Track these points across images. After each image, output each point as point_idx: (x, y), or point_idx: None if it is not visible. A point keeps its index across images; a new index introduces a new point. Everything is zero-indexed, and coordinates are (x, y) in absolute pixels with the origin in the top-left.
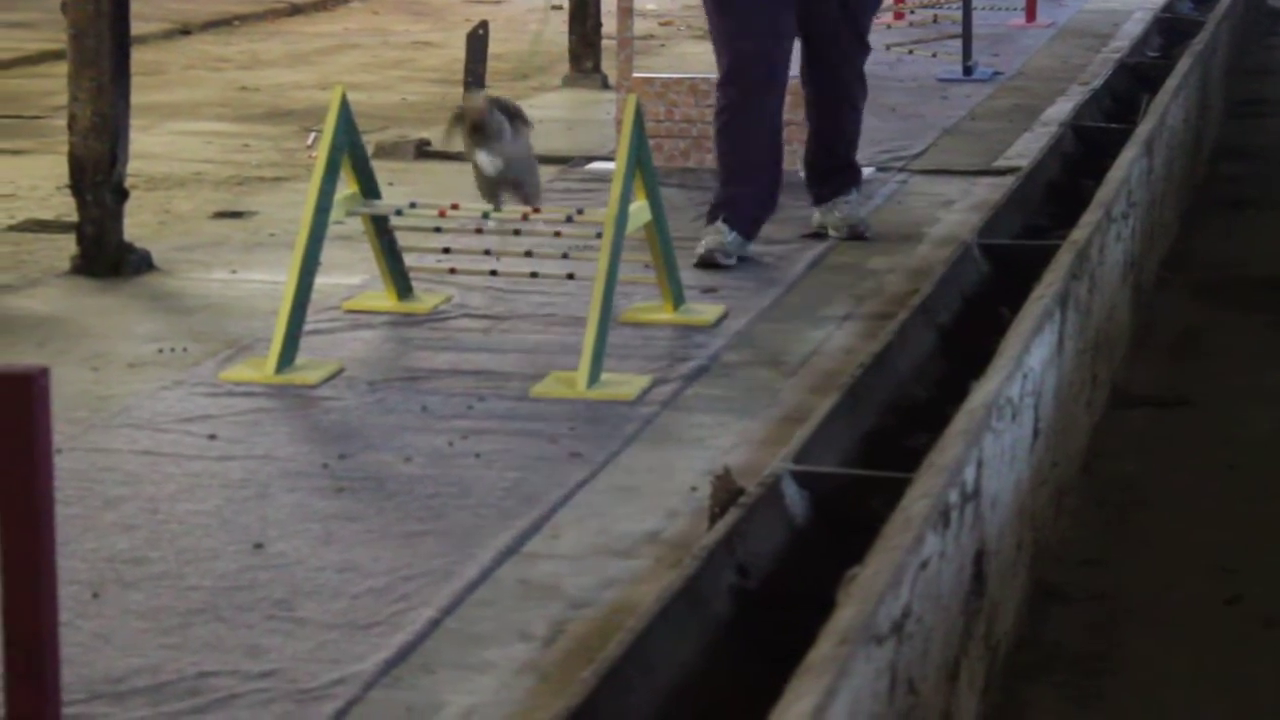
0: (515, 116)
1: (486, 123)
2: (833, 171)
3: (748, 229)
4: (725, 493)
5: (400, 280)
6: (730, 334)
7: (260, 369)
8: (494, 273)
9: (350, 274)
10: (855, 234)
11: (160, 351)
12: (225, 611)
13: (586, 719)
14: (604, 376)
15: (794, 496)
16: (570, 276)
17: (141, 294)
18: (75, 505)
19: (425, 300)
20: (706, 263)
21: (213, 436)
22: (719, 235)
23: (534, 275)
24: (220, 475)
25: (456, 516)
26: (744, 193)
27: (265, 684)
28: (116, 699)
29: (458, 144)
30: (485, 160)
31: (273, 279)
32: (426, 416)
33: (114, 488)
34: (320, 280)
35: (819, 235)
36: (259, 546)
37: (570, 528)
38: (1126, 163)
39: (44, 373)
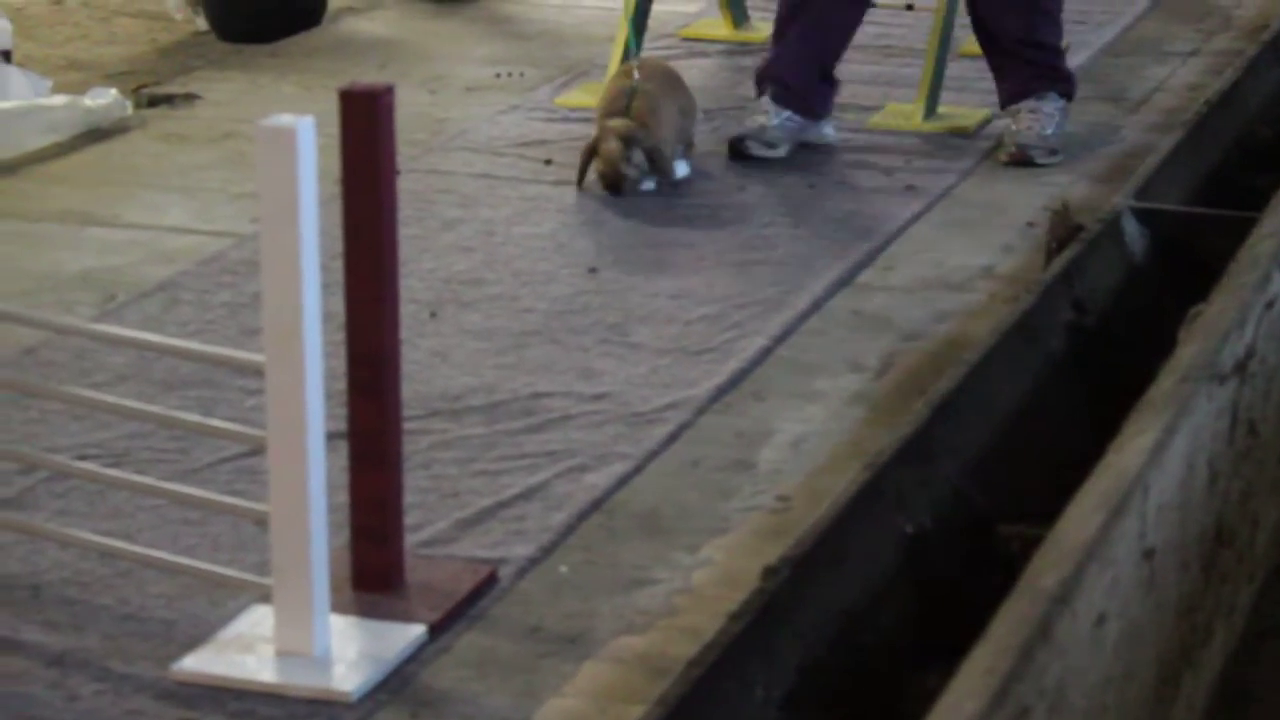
0: (656, 157)
1: (623, 178)
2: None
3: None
4: (1063, 228)
5: (736, 8)
6: (1071, 68)
7: (594, 94)
8: None
9: (687, 1)
10: (1019, 158)
11: (497, 76)
12: (559, 334)
13: (919, 450)
14: (941, 109)
15: (1134, 234)
16: (909, 7)
17: (479, 18)
18: (414, 226)
19: (760, 29)
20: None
21: (548, 161)
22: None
23: (870, 5)
24: (556, 200)
25: (790, 246)
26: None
27: (598, 406)
28: (453, 415)
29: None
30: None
31: (609, 5)
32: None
33: (451, 210)
34: (657, 7)
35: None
36: (593, 271)
37: (904, 260)
38: None
39: (389, 91)
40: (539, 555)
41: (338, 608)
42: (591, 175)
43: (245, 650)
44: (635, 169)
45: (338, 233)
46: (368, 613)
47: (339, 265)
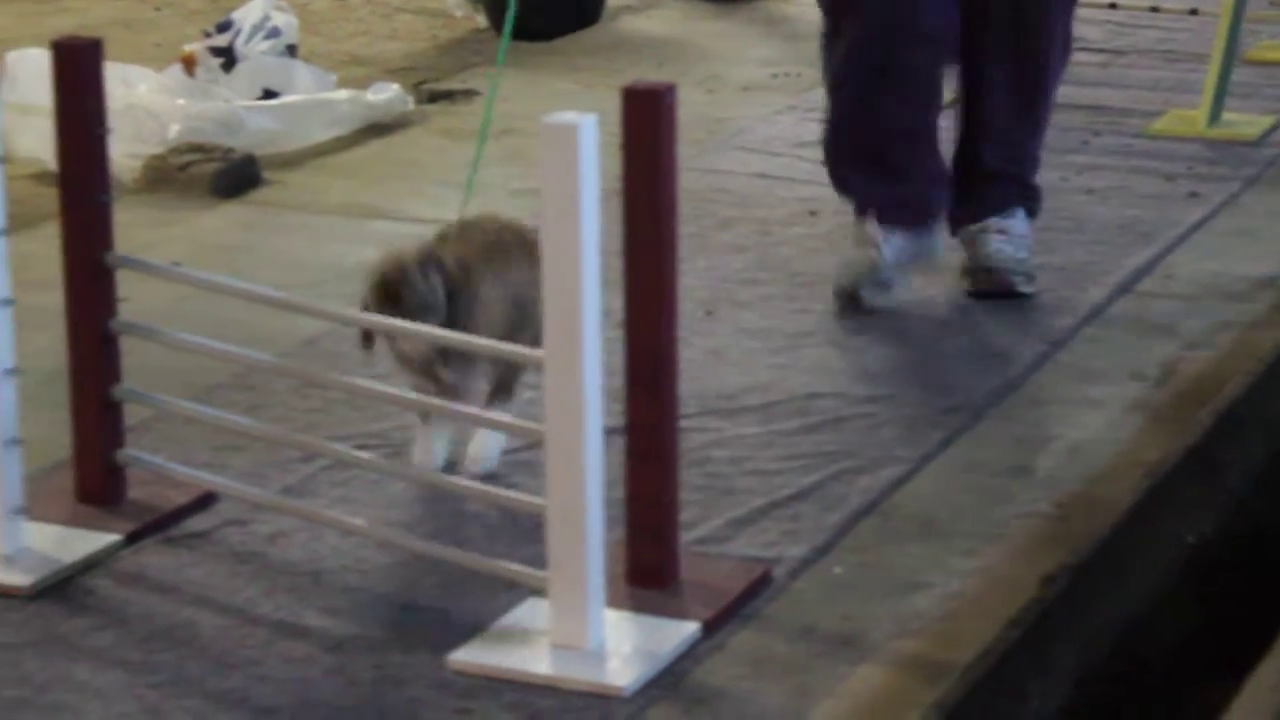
0: (465, 273)
1: (405, 291)
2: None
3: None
4: None
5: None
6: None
7: None
8: (1113, 5)
9: None
10: (998, 287)
11: (774, 76)
12: (836, 335)
13: (1202, 459)
14: (1225, 116)
15: None
16: (1193, 12)
17: (755, 19)
18: (690, 224)
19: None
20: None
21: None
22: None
23: (1154, 10)
24: (832, 201)
25: (1069, 251)
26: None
27: (874, 408)
28: (728, 414)
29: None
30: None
31: None
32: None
33: (728, 209)
34: None
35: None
36: None
37: (1185, 267)
38: None
39: (671, 90)
40: (813, 556)
41: (612, 603)
42: None
43: (520, 642)
44: (427, 287)
45: (616, 229)
46: (642, 608)
47: (617, 263)
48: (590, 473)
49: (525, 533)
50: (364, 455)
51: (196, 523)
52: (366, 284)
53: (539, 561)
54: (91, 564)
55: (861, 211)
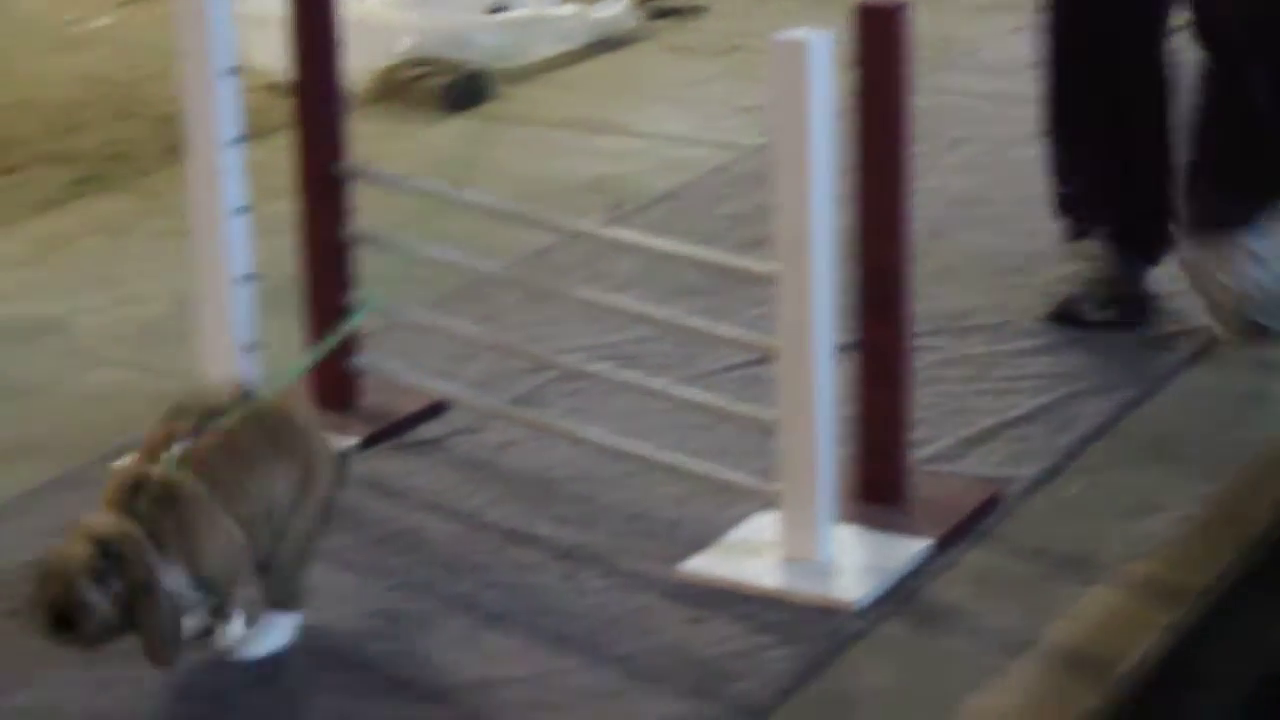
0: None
1: (80, 608)
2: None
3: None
4: None
5: None
6: None
7: None
8: None
9: None
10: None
11: None
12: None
13: None
14: None
15: None
16: None
17: None
18: (920, 144)
19: None
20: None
21: None
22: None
23: None
24: None
25: None
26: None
27: (1105, 332)
28: (958, 334)
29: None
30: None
31: None
32: None
33: (958, 129)
34: None
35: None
36: None
37: None
38: None
39: (905, 8)
40: (1044, 476)
41: (843, 518)
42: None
43: (750, 554)
44: (105, 601)
45: (845, 148)
46: (872, 524)
47: (846, 181)
48: (822, 387)
49: (754, 446)
50: (595, 366)
51: (428, 430)
52: (31, 607)
53: (769, 475)
54: None
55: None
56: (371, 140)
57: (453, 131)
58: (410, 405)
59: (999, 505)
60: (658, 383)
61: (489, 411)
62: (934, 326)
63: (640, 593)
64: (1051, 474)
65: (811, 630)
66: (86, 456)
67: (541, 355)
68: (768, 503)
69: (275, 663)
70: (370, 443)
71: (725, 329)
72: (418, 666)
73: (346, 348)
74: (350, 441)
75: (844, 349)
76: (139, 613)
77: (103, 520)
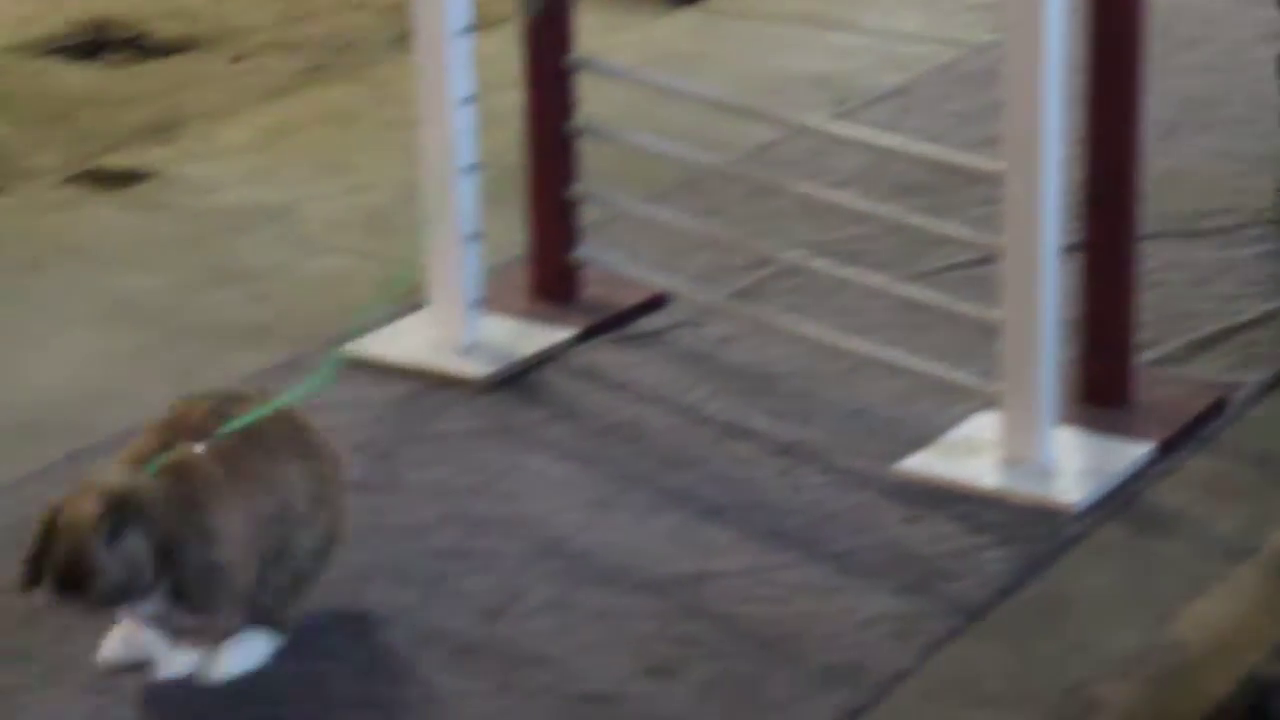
0: (186, 507)
1: (90, 574)
2: None
3: None
4: None
5: None
6: None
7: None
8: None
9: None
10: None
11: None
12: None
13: None
14: None
15: None
16: None
17: None
18: (1155, 43)
19: None
20: None
21: None
22: None
23: None
24: None
25: None
26: None
27: None
28: (1187, 236)
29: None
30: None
31: None
32: None
33: (1195, 28)
34: None
35: None
36: None
37: None
38: None
39: None
40: (1272, 383)
41: (1064, 419)
42: None
43: (969, 454)
44: (121, 564)
45: (1078, 45)
46: (1094, 427)
47: (1077, 80)
48: (1047, 287)
49: (974, 346)
50: (817, 262)
51: (648, 323)
52: (41, 563)
53: (989, 375)
54: (545, 358)
55: None
56: (597, 33)
57: (677, 25)
58: (631, 298)
59: (1224, 410)
60: (879, 280)
61: (709, 305)
62: (1161, 228)
63: (857, 490)
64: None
65: (1030, 532)
66: (312, 342)
67: (762, 250)
68: (988, 403)
69: (491, 551)
70: (590, 335)
71: (949, 227)
72: (632, 557)
73: (569, 239)
74: (568, 334)
75: (1070, 249)
76: (166, 561)
77: (115, 476)
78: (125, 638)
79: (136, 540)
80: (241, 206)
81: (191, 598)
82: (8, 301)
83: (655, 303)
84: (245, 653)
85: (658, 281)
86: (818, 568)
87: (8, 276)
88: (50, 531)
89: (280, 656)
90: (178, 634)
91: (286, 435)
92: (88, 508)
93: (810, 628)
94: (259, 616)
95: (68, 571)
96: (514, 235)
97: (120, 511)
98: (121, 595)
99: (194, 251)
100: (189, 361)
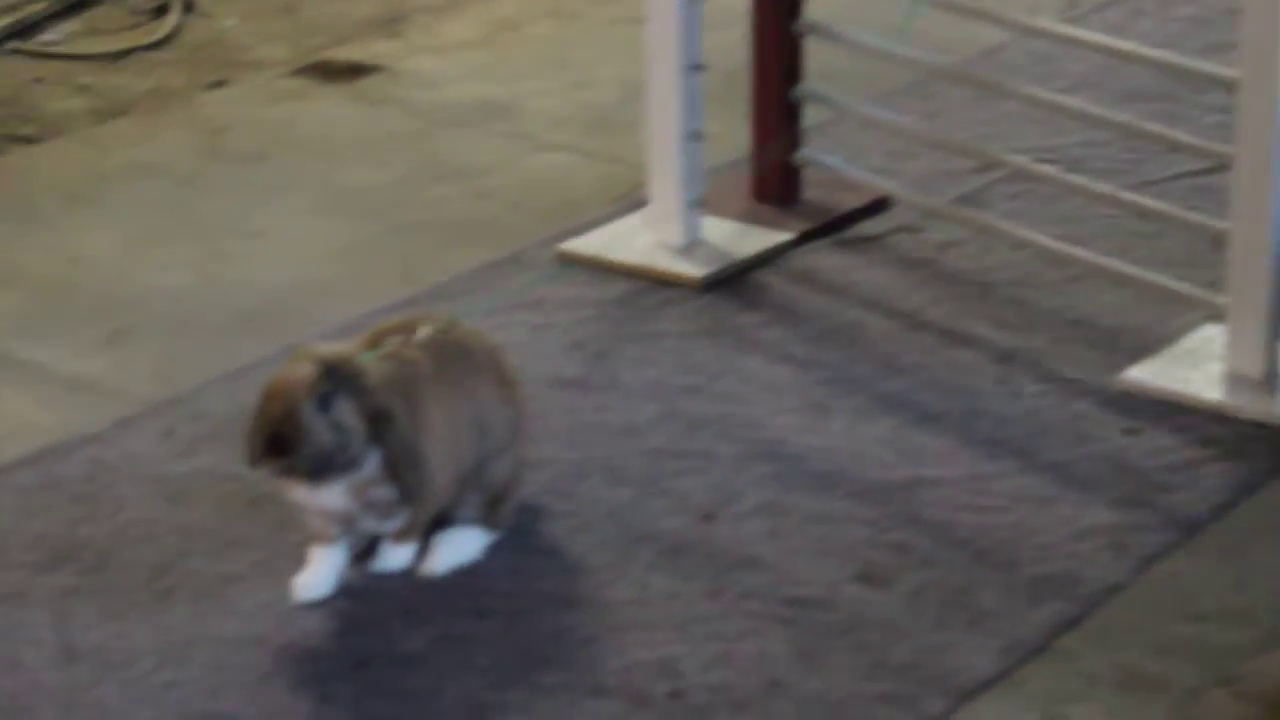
0: (402, 388)
1: (297, 441)
2: None
3: None
4: None
5: None
6: None
7: None
8: None
9: None
10: None
11: None
12: None
13: None
14: None
15: None
16: None
17: None
18: None
19: None
20: None
21: None
22: None
23: None
24: None
25: None
26: None
27: None
28: None
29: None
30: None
31: None
32: None
33: None
34: None
35: None
36: None
37: None
38: None
39: None
40: None
41: None
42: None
43: (1192, 367)
44: (331, 430)
45: None
46: None
47: None
48: (1278, 198)
49: (1199, 257)
50: (1041, 168)
51: (868, 226)
52: (249, 427)
53: (1215, 287)
54: (764, 260)
55: None
56: None
57: None
58: (851, 201)
59: None
60: (1104, 187)
61: (930, 210)
62: None
63: (1077, 400)
64: None
65: (1253, 447)
66: (532, 238)
67: (987, 154)
68: (1213, 315)
69: (705, 453)
70: (810, 237)
71: (1179, 135)
72: (847, 461)
73: (792, 141)
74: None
75: None
76: (382, 435)
77: (331, 346)
78: (317, 572)
79: (347, 407)
80: (464, 102)
81: (401, 475)
82: (232, 191)
83: (876, 206)
84: (459, 547)
85: (879, 185)
86: (1034, 477)
87: (232, 167)
88: (266, 397)
89: (493, 552)
90: (369, 536)
91: (488, 358)
92: (301, 371)
93: (1024, 538)
94: (477, 519)
95: (278, 432)
96: (737, 136)
97: (333, 378)
98: (329, 461)
99: (417, 146)
100: (410, 256)
